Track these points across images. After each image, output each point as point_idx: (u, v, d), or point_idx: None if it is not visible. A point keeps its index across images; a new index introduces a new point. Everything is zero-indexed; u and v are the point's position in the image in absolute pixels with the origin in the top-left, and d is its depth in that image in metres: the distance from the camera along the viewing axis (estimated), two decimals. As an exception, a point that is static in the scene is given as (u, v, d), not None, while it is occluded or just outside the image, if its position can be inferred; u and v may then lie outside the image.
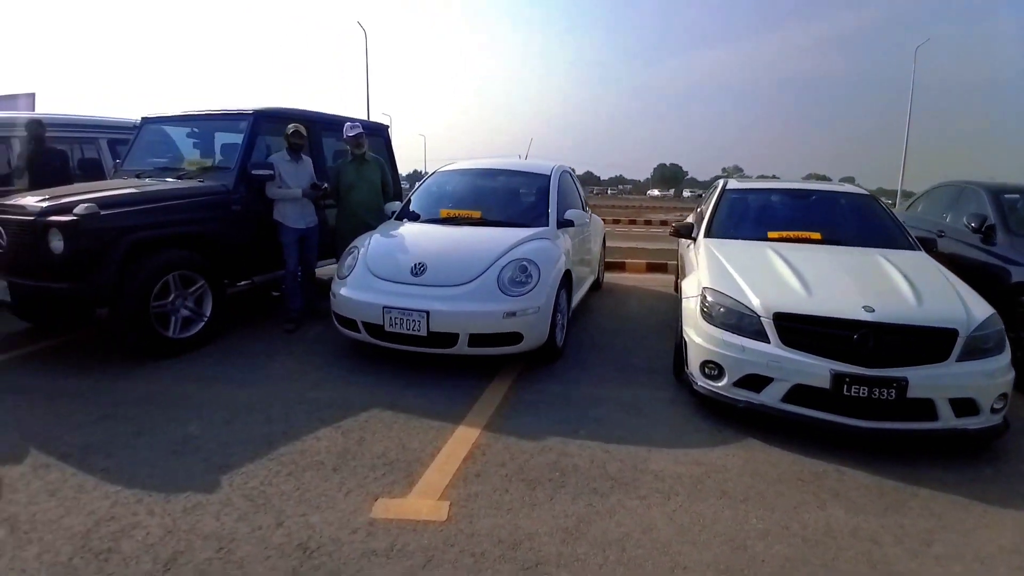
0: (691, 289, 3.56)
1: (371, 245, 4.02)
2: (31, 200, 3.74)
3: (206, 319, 4.17)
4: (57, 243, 3.49)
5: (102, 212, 3.56)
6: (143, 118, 5.12)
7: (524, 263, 3.72)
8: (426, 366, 3.81)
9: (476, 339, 3.55)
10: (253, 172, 4.41)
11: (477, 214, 4.32)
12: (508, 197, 4.72)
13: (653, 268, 7.81)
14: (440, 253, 3.81)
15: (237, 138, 4.72)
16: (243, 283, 4.68)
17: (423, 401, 3.36)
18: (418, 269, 3.70)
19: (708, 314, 3.28)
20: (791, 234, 4.18)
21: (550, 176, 4.73)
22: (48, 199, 3.70)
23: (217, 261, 4.23)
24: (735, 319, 3.17)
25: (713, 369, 3.19)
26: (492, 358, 3.78)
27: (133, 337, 3.77)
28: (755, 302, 3.15)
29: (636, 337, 4.73)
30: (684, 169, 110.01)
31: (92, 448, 2.77)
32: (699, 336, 3.26)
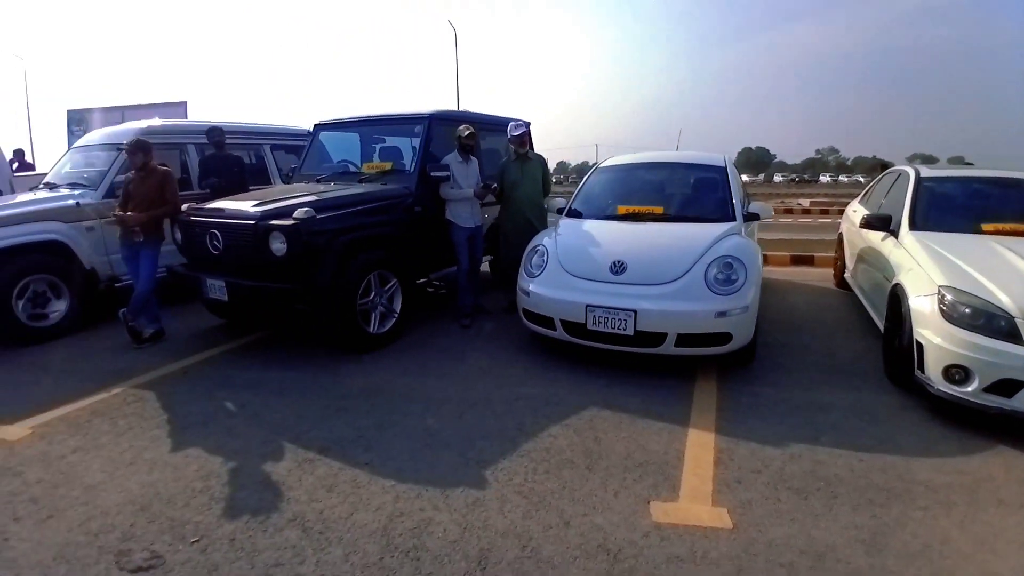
0: (918, 287, 3.32)
1: (559, 242, 4.02)
2: (245, 205, 4.02)
3: (396, 315, 4.35)
4: (279, 245, 3.71)
5: (318, 216, 3.76)
6: (316, 125, 5.39)
7: (729, 260, 3.60)
8: (617, 364, 3.78)
9: (684, 339, 3.48)
10: (432, 174, 4.52)
11: (659, 210, 4.24)
12: (685, 191, 4.61)
13: (799, 261, 7.41)
14: (638, 250, 3.75)
15: (407, 142, 4.89)
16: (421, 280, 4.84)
17: (636, 401, 3.33)
18: (617, 267, 3.66)
19: (949, 314, 3.05)
20: (1006, 227, 3.83)
21: (725, 167, 4.57)
22: (262, 204, 3.96)
23: (404, 260, 4.39)
24: (983, 319, 2.93)
25: (959, 373, 2.96)
26: (684, 357, 3.68)
27: (342, 333, 3.98)
28: (1006, 301, 2.89)
29: (821, 336, 4.49)
30: (771, 152, 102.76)
31: (346, 441, 2.93)
32: (940, 338, 3.03)
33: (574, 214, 4.57)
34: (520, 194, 4.94)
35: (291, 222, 3.70)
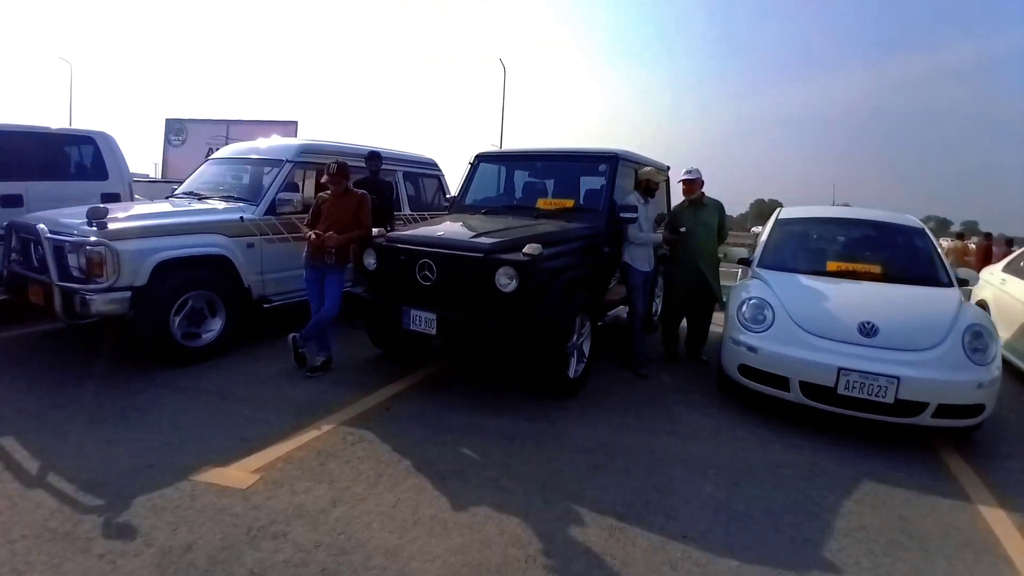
0: None
1: (785, 297, 3.84)
2: (465, 235, 3.85)
3: (586, 360, 4.10)
4: (507, 281, 3.49)
5: (544, 252, 3.56)
6: (478, 156, 5.24)
7: (978, 329, 3.45)
8: (829, 428, 3.59)
9: (943, 409, 3.28)
10: (622, 215, 4.36)
11: (877, 269, 4.09)
12: (890, 251, 4.47)
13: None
14: (886, 312, 3.58)
15: (585, 180, 4.76)
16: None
17: (900, 474, 3.12)
18: (868, 328, 3.48)
19: None
20: None
21: (924, 230, 4.47)
22: (484, 235, 3.78)
23: (596, 302, 4.19)
24: None
25: None
26: (887, 426, 3.47)
27: (552, 375, 3.75)
28: None
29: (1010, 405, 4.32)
30: (782, 203, 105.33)
31: (637, 507, 2.65)
32: None
33: (774, 267, 4.41)
34: (693, 242, 4.78)
35: (523, 257, 3.49)
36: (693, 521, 2.57)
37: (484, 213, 4.77)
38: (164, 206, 4.69)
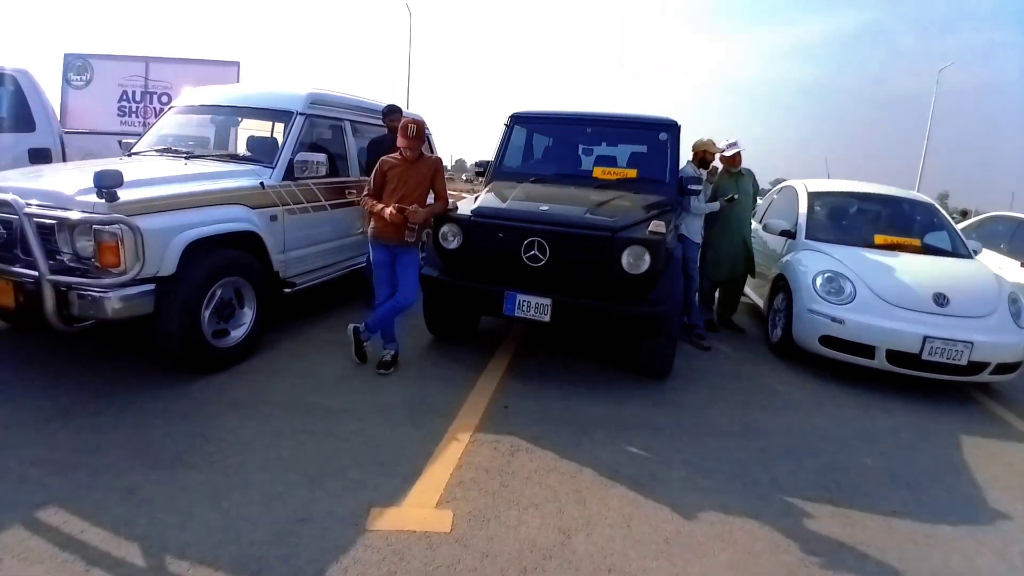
0: None
1: (858, 270, 4.04)
2: (579, 212, 3.45)
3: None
4: (634, 261, 3.23)
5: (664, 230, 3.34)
6: (513, 116, 4.72)
7: (1015, 296, 3.94)
8: (890, 385, 3.94)
9: (999, 367, 3.72)
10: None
11: (917, 243, 4.46)
12: (916, 225, 4.87)
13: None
14: (949, 284, 3.91)
15: (644, 148, 4.54)
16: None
17: (983, 427, 3.53)
18: (941, 299, 3.79)
19: None
20: None
21: (935, 205, 4.96)
22: (600, 212, 3.46)
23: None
24: None
25: None
26: (949, 384, 3.96)
27: (670, 356, 3.62)
28: None
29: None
30: None
31: (835, 489, 2.68)
32: None
33: (818, 238, 4.61)
34: (737, 211, 4.85)
35: (653, 236, 3.23)
36: (885, 495, 2.67)
37: (533, 182, 4.35)
38: (161, 167, 3.61)
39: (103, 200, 2.76)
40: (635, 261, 3.23)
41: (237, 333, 3.48)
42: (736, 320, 5.22)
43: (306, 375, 3.42)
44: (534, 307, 3.33)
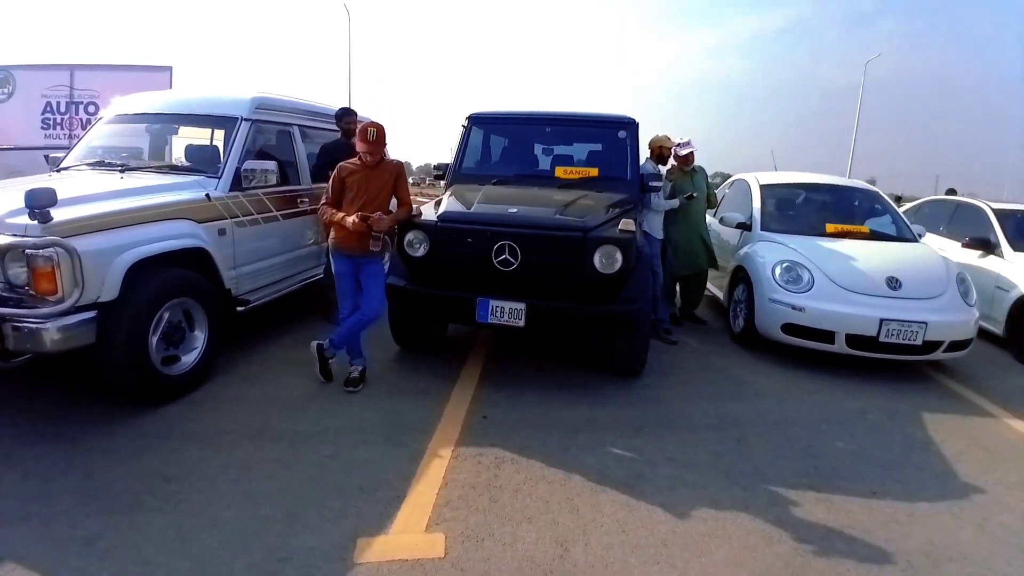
0: None
1: (814, 259, 4.18)
2: (547, 213, 3.41)
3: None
4: (606, 261, 3.21)
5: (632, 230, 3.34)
6: (471, 117, 4.62)
7: (963, 276, 4.19)
8: (852, 369, 4.09)
9: (951, 345, 3.94)
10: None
11: (866, 230, 4.65)
12: (862, 213, 5.08)
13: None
14: (900, 268, 4.10)
15: (604, 146, 4.54)
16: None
17: (941, 404, 3.72)
18: (894, 283, 3.96)
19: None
20: None
21: (878, 193, 5.20)
22: (568, 212, 3.41)
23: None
24: None
25: None
26: (903, 364, 4.17)
27: (644, 355, 3.62)
28: None
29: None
30: None
31: (814, 474, 2.75)
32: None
33: (773, 229, 4.75)
34: (695, 207, 4.94)
35: (623, 235, 3.22)
36: (861, 476, 2.76)
37: (495, 183, 4.27)
38: (95, 182, 3.30)
39: (35, 221, 2.49)
40: (607, 260, 3.21)
41: (188, 358, 3.22)
42: (696, 313, 5.31)
43: (268, 399, 3.21)
44: (508, 312, 3.25)
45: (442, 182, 4.64)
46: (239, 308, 3.69)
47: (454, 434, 2.90)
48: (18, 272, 2.55)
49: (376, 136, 3.17)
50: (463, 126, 4.64)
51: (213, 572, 1.92)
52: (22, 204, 2.55)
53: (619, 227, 3.28)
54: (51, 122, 7.19)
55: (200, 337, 3.29)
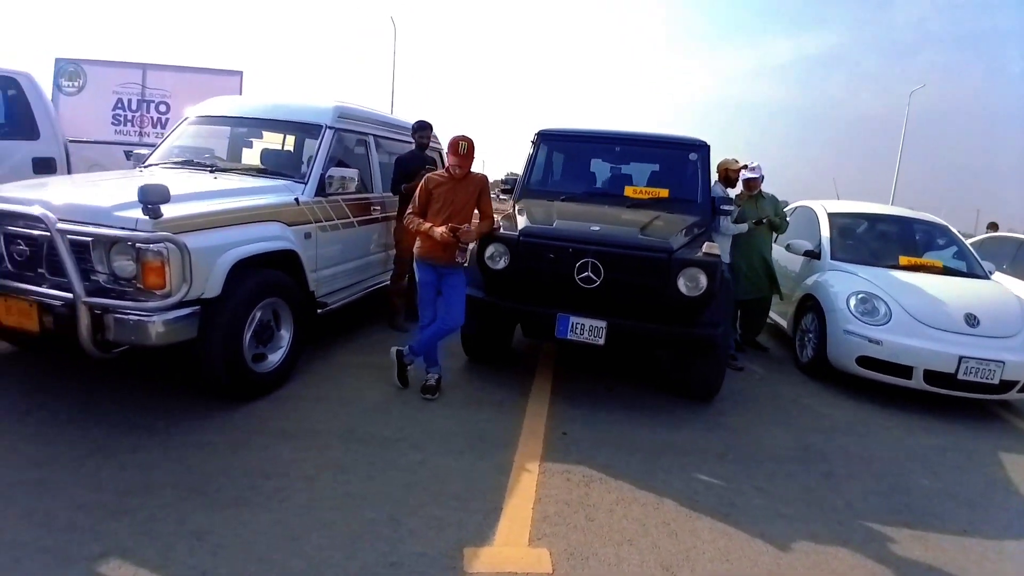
0: None
1: (894, 292, 4.12)
2: (631, 232, 3.43)
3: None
4: (691, 284, 3.20)
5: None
6: (540, 133, 4.67)
7: (1034, 317, 4.09)
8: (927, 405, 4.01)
9: (1024, 386, 3.84)
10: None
11: (939, 264, 4.57)
12: (935, 245, 5.01)
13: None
14: (978, 305, 4.02)
15: (674, 168, 4.54)
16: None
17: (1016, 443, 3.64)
18: (972, 320, 3.88)
19: None
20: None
21: (947, 227, 5.12)
22: (652, 232, 3.43)
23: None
24: None
25: None
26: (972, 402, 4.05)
27: (720, 379, 3.60)
28: None
29: None
30: None
31: (906, 511, 2.69)
32: None
33: (843, 258, 4.69)
34: (759, 234, 4.90)
35: (709, 258, 3.21)
36: (951, 515, 2.72)
37: (563, 200, 4.29)
38: (192, 181, 3.39)
39: (147, 216, 2.56)
40: (692, 283, 3.20)
41: (274, 357, 3.28)
42: (758, 340, 5.24)
43: (349, 401, 3.25)
44: (587, 330, 3.25)
45: (508, 196, 4.69)
46: (319, 310, 3.76)
47: (537, 449, 2.90)
48: (124, 265, 2.62)
49: (467, 150, 3.22)
50: (532, 142, 4.69)
51: (328, 570, 1.93)
52: (129, 198, 2.66)
53: (703, 250, 3.27)
54: (122, 118, 7.44)
55: (286, 337, 3.34)
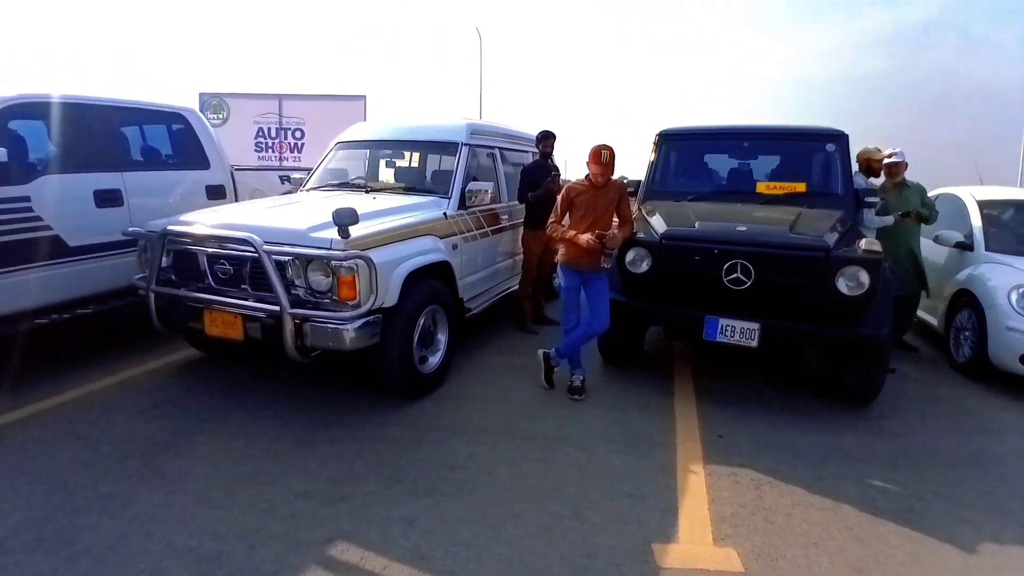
0: None
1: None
2: (780, 231, 3.39)
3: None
4: (852, 283, 3.10)
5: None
6: (661, 134, 4.69)
7: None
8: None
9: None
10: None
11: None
12: None
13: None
14: None
15: (810, 161, 4.39)
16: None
17: None
18: None
19: None
20: None
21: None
22: (804, 231, 3.36)
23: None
24: None
25: None
26: None
27: (881, 382, 3.43)
28: None
29: None
30: None
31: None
32: None
33: (996, 251, 4.34)
34: (907, 225, 4.61)
35: (872, 256, 3.10)
36: None
37: (691, 200, 4.27)
38: (356, 202, 3.74)
39: (340, 237, 2.88)
40: (853, 282, 3.10)
41: (434, 359, 3.56)
42: (905, 339, 4.94)
43: (503, 400, 3.46)
44: (739, 332, 3.25)
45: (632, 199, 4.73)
46: (467, 314, 4.02)
47: (696, 450, 2.94)
48: (319, 280, 2.96)
49: (608, 158, 3.32)
50: (654, 143, 4.71)
51: (531, 559, 2.10)
52: (319, 220, 3.03)
53: (863, 246, 3.16)
54: (263, 145, 8.30)
55: (442, 340, 3.62)
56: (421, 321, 3.37)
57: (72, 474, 2.58)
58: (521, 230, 4.78)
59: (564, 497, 2.49)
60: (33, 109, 3.60)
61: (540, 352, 3.61)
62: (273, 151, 8.30)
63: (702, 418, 3.30)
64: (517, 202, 4.74)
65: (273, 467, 2.69)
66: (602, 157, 3.31)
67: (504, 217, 4.69)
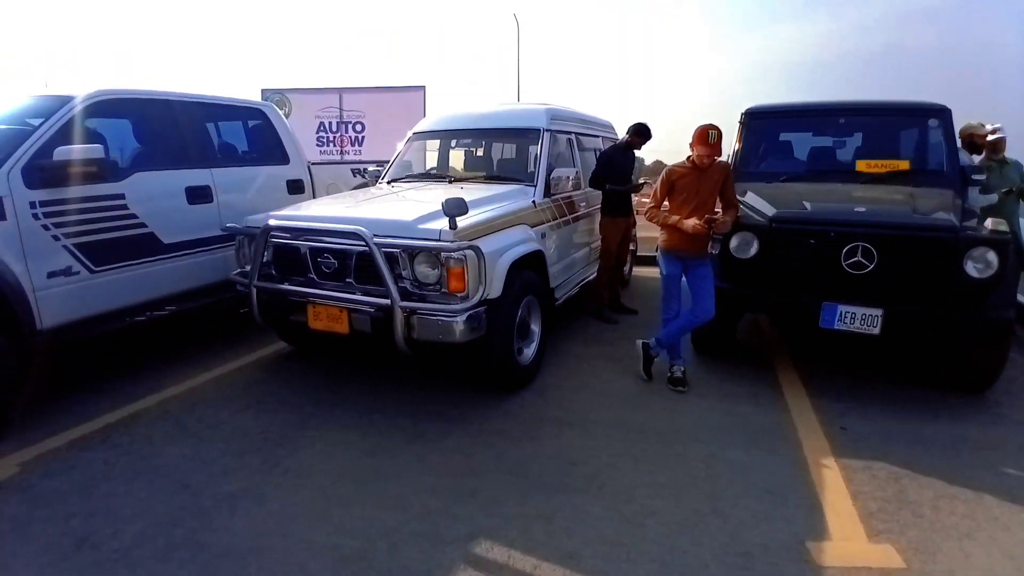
0: None
1: None
2: (903, 211, 3.25)
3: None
4: (981, 265, 2.92)
5: (1004, 230, 3.01)
6: (748, 112, 4.51)
7: None
8: None
9: None
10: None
11: None
12: None
13: None
14: None
15: (909, 137, 4.18)
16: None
17: None
18: None
19: None
20: None
21: None
22: (926, 210, 3.18)
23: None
24: None
25: None
26: None
27: (1000, 371, 3.25)
28: None
29: None
30: None
31: None
32: None
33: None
34: (1008, 203, 4.37)
35: (1001, 236, 2.92)
36: None
37: (785, 180, 4.09)
38: (449, 193, 3.70)
39: (449, 228, 2.83)
40: (981, 263, 2.92)
41: (529, 351, 3.50)
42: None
43: (604, 392, 3.39)
44: (860, 319, 3.10)
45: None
46: (556, 304, 3.95)
47: (822, 444, 2.82)
48: (426, 272, 2.92)
49: (716, 139, 3.18)
50: (740, 123, 4.53)
51: (684, 559, 2.03)
52: (424, 212, 2.98)
53: (989, 226, 2.97)
54: (325, 140, 8.33)
55: (536, 331, 3.56)
56: (519, 311, 3.32)
57: (192, 473, 2.56)
58: (598, 217, 4.68)
59: (699, 493, 2.41)
60: (117, 106, 3.60)
61: (639, 342, 3.53)
62: (334, 145, 8.32)
63: (817, 410, 3.17)
64: (590, 188, 4.64)
65: (392, 462, 2.66)
66: (710, 137, 3.17)
67: (582, 204, 4.59)
